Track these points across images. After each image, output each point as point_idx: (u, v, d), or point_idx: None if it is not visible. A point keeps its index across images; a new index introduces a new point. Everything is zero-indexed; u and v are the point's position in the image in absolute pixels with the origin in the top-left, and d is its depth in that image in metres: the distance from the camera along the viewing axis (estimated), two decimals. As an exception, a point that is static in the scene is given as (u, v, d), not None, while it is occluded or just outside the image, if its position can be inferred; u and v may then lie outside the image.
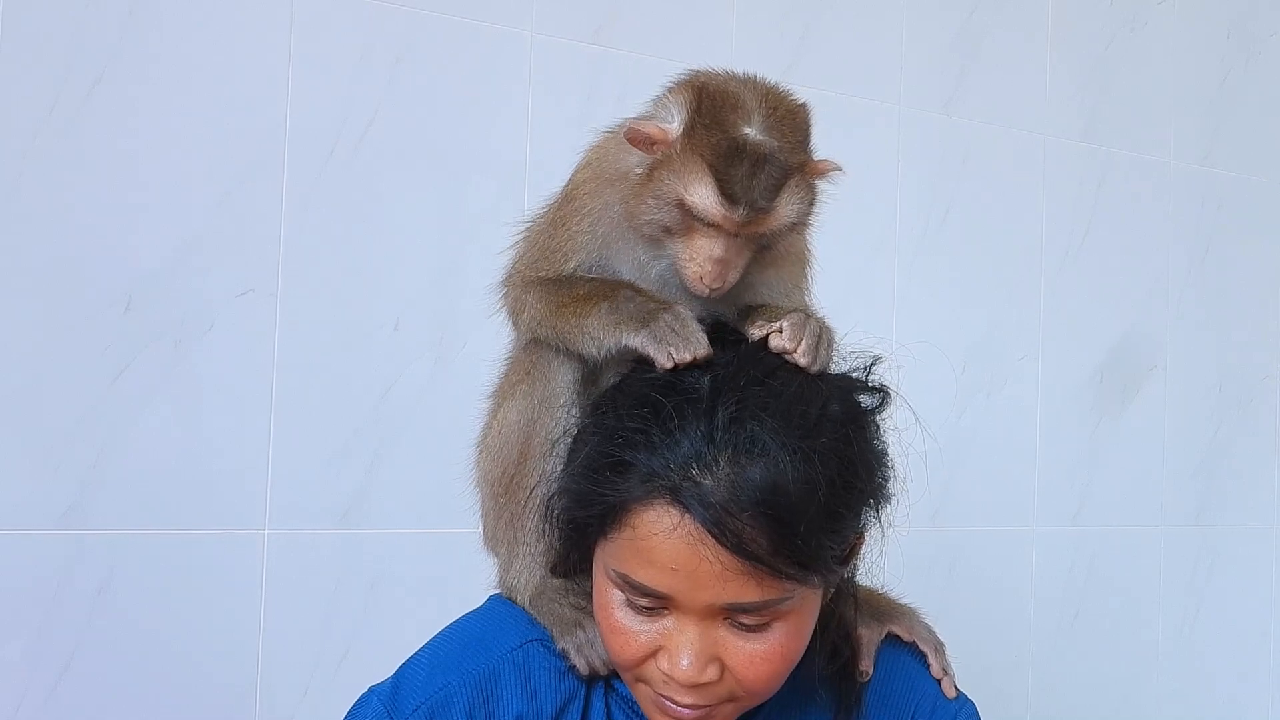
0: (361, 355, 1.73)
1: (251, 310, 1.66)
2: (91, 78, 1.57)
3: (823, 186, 1.07)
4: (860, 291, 2.10)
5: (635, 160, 1.05)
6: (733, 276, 1.03)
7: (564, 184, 1.14)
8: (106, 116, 1.58)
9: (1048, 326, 2.31)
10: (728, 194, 0.99)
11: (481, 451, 1.16)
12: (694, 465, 0.93)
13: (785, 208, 1.02)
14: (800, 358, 0.99)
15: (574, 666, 1.05)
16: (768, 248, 1.05)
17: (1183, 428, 2.47)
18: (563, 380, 1.09)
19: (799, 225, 1.05)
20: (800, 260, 1.13)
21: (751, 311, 1.06)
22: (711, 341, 1.00)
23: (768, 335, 1.00)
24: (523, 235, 1.16)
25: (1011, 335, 2.27)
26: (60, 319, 1.56)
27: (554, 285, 1.09)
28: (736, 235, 1.02)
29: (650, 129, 1.03)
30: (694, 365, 0.98)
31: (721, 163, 0.99)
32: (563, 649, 1.06)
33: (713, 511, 0.91)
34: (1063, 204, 2.33)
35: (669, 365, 0.98)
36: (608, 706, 1.07)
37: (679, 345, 0.98)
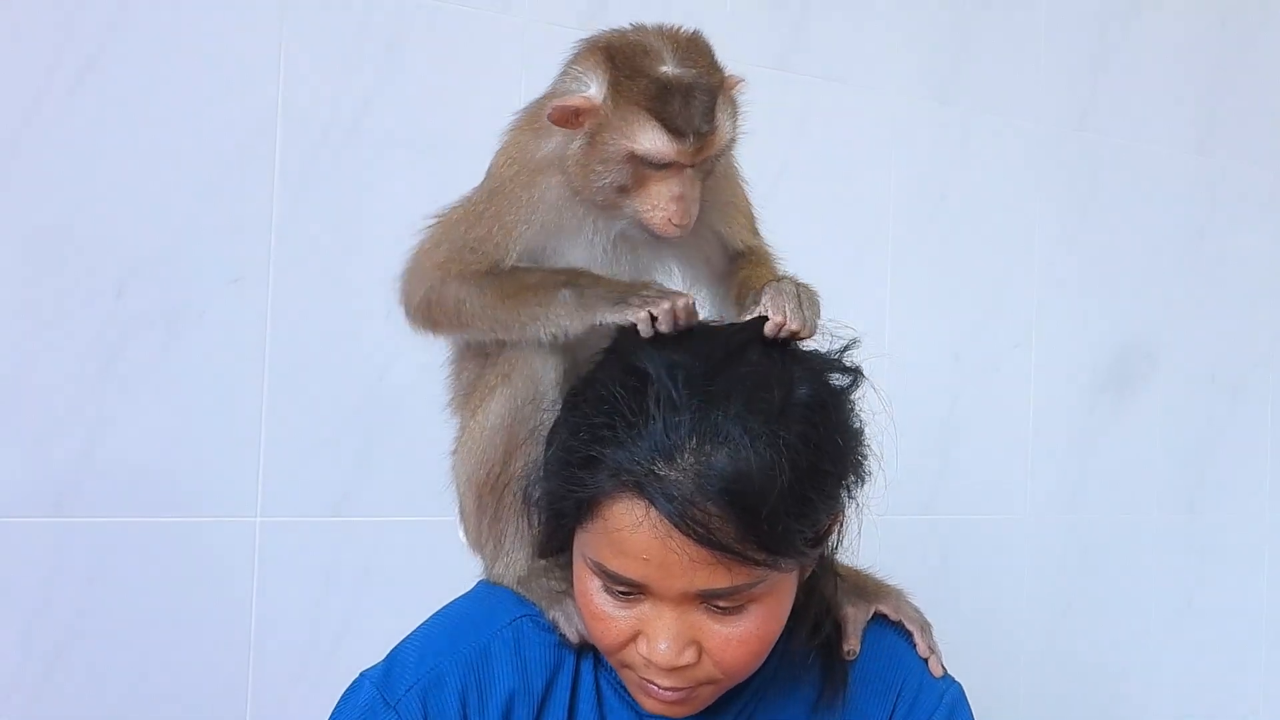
0: (353, 343, 1.72)
1: (243, 297, 1.65)
2: (82, 63, 1.57)
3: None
4: (854, 280, 2.10)
5: (560, 141, 1.08)
6: (695, 210, 1.07)
7: (483, 180, 1.15)
8: (97, 102, 1.57)
9: (1041, 315, 2.31)
10: (673, 130, 1.03)
11: (460, 454, 1.16)
12: (658, 458, 0.93)
13: (724, 125, 1.07)
14: (794, 325, 1.01)
15: (564, 636, 1.07)
16: (709, 173, 1.09)
17: (1175, 416, 2.47)
18: (546, 380, 1.10)
19: (734, 141, 1.10)
20: (727, 176, 1.16)
21: (733, 284, 1.10)
22: (683, 334, 1.00)
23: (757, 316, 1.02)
24: (434, 228, 1.16)
25: (1005, 324, 2.27)
26: (51, 306, 1.55)
27: (495, 278, 1.10)
28: (689, 166, 1.05)
29: (575, 101, 1.06)
30: (678, 327, 0.99)
31: (657, 104, 1.03)
32: (553, 619, 1.07)
33: (677, 505, 0.92)
34: (1057, 192, 2.33)
35: (652, 330, 0.99)
36: (597, 680, 1.08)
37: (661, 306, 1.00)
